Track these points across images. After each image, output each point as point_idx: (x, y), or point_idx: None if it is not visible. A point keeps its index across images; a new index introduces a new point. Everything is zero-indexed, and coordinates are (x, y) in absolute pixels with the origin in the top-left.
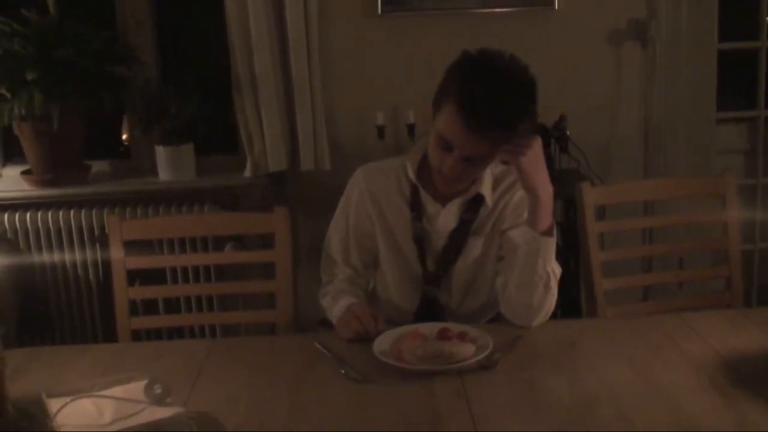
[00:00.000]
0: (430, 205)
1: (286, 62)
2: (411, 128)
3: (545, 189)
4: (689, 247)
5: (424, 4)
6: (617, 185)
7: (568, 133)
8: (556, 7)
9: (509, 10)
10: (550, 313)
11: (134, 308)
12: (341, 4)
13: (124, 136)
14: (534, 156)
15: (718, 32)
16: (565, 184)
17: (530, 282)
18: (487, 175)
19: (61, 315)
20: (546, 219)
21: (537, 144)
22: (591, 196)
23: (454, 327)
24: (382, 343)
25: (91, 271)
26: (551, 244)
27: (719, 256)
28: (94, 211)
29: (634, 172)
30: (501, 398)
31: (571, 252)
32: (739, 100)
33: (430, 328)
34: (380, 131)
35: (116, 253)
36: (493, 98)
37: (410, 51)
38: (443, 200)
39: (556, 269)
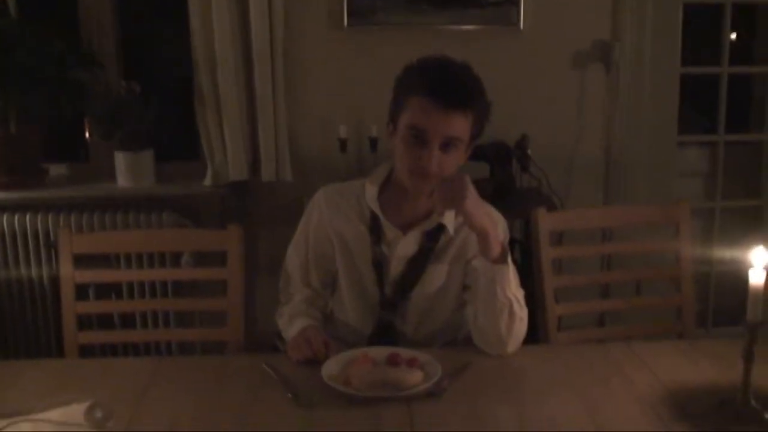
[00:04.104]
0: (389, 231)
1: (250, 73)
2: (374, 142)
3: (490, 222)
4: (643, 274)
5: (391, 18)
6: (572, 211)
7: (529, 152)
8: (522, 27)
9: (475, 27)
10: (522, 338)
11: (88, 321)
12: (307, 17)
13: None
14: (473, 196)
15: (681, 56)
16: (526, 203)
17: (494, 310)
18: None
19: (15, 325)
20: (495, 248)
21: (468, 180)
22: (546, 221)
23: (404, 352)
24: (331, 367)
25: (45, 278)
26: (505, 271)
27: (674, 283)
28: (50, 216)
29: (595, 193)
30: (447, 428)
31: (530, 273)
32: (705, 122)
33: (380, 352)
34: (343, 144)
35: (65, 267)
36: (452, 77)
37: (375, 65)
38: (404, 227)
39: (518, 294)
